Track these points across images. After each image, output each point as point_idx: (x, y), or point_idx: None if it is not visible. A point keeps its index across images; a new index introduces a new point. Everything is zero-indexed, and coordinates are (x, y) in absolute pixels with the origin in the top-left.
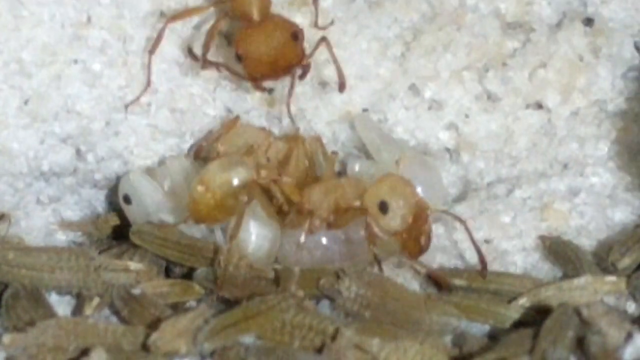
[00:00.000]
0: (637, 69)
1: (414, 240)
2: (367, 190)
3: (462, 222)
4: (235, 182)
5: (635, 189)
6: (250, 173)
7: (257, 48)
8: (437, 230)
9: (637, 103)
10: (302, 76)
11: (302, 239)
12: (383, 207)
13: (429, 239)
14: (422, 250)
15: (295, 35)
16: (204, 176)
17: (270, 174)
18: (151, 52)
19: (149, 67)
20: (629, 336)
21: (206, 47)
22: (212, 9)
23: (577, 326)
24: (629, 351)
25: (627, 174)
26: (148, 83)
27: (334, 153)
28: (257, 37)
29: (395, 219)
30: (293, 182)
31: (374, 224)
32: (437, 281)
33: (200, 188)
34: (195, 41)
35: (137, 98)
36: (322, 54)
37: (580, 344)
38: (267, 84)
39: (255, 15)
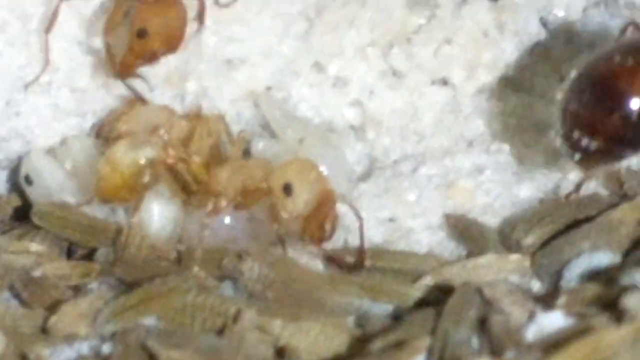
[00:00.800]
0: (543, 45)
1: (317, 225)
2: (273, 172)
3: (360, 218)
4: (143, 161)
5: (541, 166)
6: (158, 152)
7: (163, 23)
8: (341, 209)
9: (543, 79)
10: None
11: (207, 219)
12: (287, 189)
13: (333, 227)
14: (324, 236)
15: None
16: (110, 156)
17: (178, 153)
18: (47, 30)
19: (46, 46)
20: (531, 315)
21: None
22: None
23: (480, 306)
24: (532, 330)
25: (533, 151)
26: (47, 62)
27: (242, 133)
28: (161, 11)
29: (299, 202)
30: (201, 161)
31: (278, 205)
32: (337, 263)
33: (107, 168)
34: (97, 20)
35: (37, 78)
36: (225, 30)
37: (482, 323)
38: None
39: None
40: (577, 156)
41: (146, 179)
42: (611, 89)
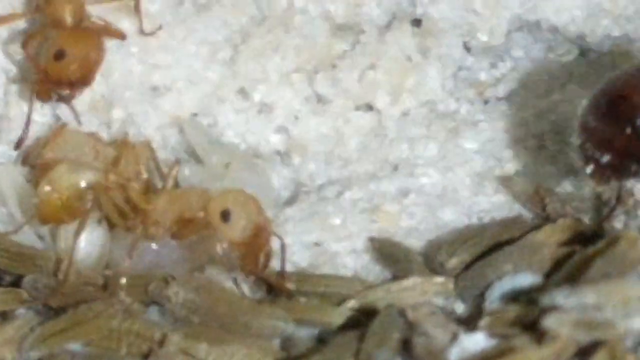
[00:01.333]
0: (466, 69)
1: (253, 255)
2: (212, 199)
3: (283, 244)
4: (83, 184)
5: (465, 189)
6: (99, 177)
7: (81, 50)
8: None
9: (467, 103)
10: None
11: (134, 245)
12: (225, 215)
13: (268, 258)
14: (259, 267)
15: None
16: (51, 177)
17: (119, 179)
18: None
19: None
20: (454, 337)
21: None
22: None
23: (403, 328)
24: (454, 352)
25: (457, 174)
26: None
27: (177, 162)
28: (81, 39)
29: (236, 229)
30: (141, 188)
31: (215, 231)
32: (279, 288)
33: (47, 188)
34: (18, 47)
35: None
36: (151, 57)
37: (405, 345)
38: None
39: (69, 20)
40: (590, 169)
41: (87, 203)
42: (626, 106)
